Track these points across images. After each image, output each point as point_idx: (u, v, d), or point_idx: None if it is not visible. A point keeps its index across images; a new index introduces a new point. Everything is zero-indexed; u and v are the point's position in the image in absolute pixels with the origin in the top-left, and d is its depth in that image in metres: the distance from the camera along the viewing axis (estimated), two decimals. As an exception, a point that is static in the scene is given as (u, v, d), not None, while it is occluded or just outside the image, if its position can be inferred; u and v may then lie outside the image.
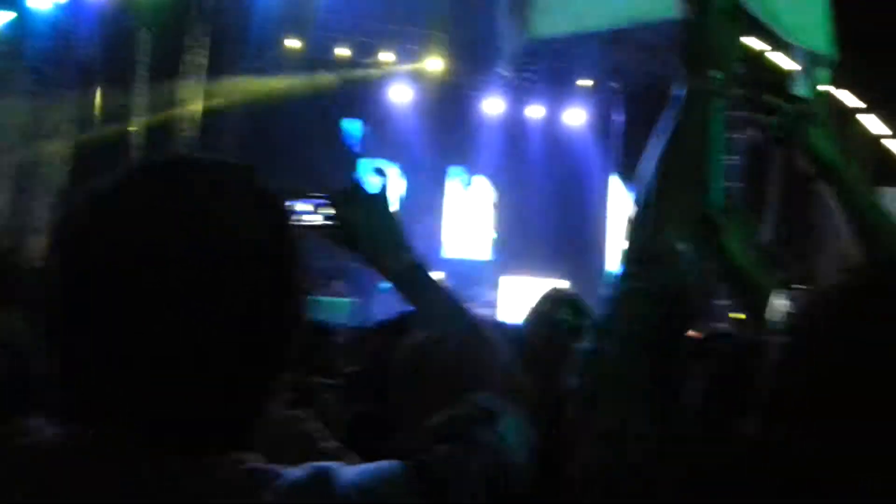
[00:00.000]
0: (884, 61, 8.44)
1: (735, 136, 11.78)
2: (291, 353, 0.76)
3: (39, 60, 8.87)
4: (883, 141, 10.30)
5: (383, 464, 0.74)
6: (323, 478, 0.69)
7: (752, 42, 9.16)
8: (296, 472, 0.70)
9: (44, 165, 9.05)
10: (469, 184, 13.51)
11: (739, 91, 1.28)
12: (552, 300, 2.30)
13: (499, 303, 11.87)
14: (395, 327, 1.94)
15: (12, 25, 8.66)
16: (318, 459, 0.74)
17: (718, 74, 1.12)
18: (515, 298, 11.10)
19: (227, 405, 0.70)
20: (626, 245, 1.12)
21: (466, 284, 12.37)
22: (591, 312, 2.30)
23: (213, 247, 0.69)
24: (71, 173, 8.95)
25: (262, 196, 0.76)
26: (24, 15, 8.67)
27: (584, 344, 1.08)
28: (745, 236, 1.25)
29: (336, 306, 10.69)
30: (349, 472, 0.71)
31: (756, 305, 1.22)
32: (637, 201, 1.12)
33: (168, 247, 0.67)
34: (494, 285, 12.47)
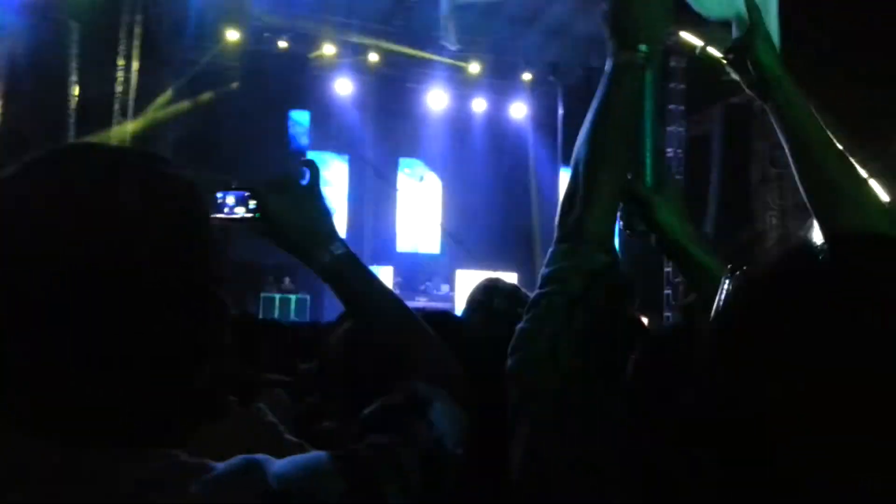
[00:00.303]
0: (829, 62, 8.72)
1: (674, 129, 12.01)
2: (215, 348, 0.74)
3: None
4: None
5: (312, 455, 0.74)
6: (250, 469, 0.69)
7: (689, 37, 9.38)
8: (224, 464, 0.69)
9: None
10: (421, 178, 13.54)
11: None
12: (488, 289, 2.32)
13: (455, 296, 11.93)
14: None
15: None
16: (280, 452, 0.73)
17: (644, 47, 1.10)
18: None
19: (150, 400, 0.68)
20: (558, 222, 1.11)
21: (419, 278, 12.42)
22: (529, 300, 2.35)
23: (117, 237, 0.67)
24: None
25: (170, 184, 0.74)
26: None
27: (521, 324, 1.08)
28: (682, 212, 1.24)
29: (286, 303, 10.63)
30: (278, 463, 0.71)
31: (700, 284, 1.23)
32: (569, 179, 1.11)
33: (68, 238, 0.65)
34: (446, 279, 12.53)
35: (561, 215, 1.11)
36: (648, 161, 1.20)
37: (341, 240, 1.09)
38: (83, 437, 0.65)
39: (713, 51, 1.34)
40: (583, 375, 0.99)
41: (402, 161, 13.41)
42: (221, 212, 1.08)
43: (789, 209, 9.88)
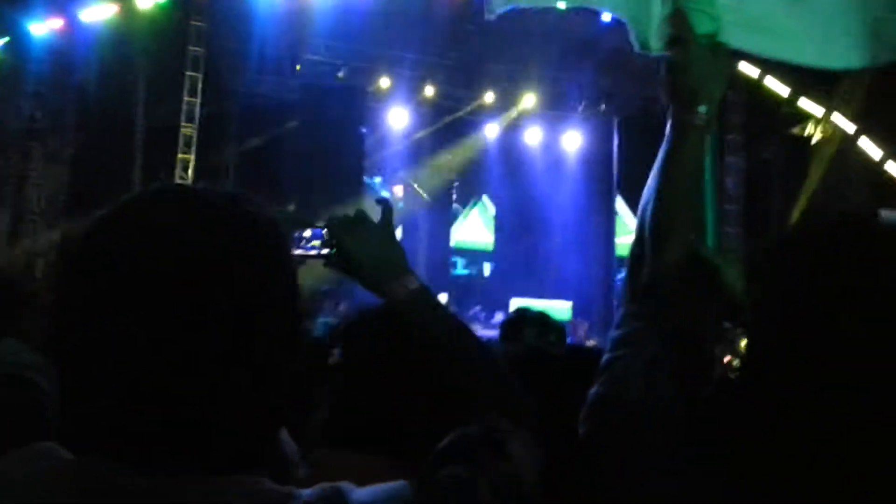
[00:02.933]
0: (876, 85, 8.51)
1: (733, 159, 11.85)
2: (296, 379, 0.77)
3: (38, 84, 8.93)
4: (886, 164, 10.33)
5: (392, 484, 0.75)
6: (334, 497, 0.71)
7: (747, 68, 9.23)
8: (309, 491, 0.71)
9: (44, 189, 9.06)
10: (475, 205, 13.64)
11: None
12: (518, 319, 2.34)
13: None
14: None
15: (9, 50, 8.72)
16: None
17: (704, 108, 1.10)
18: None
19: (234, 428, 0.71)
20: (627, 282, 1.09)
21: (473, 306, 12.41)
22: (558, 328, 2.33)
23: (211, 278, 0.70)
24: (69, 197, 8.96)
25: (259, 224, 0.77)
26: (20, 40, 8.73)
27: (594, 389, 1.05)
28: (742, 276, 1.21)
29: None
30: (359, 492, 0.73)
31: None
32: (634, 240, 1.10)
33: (167, 279, 0.69)
34: (501, 306, 12.51)
35: (629, 276, 1.09)
36: (710, 223, 1.19)
37: (415, 274, 1.11)
38: (171, 465, 0.67)
39: (771, 80, 1.31)
40: (670, 444, 0.95)
41: (457, 190, 13.51)
42: (298, 247, 1.13)
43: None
